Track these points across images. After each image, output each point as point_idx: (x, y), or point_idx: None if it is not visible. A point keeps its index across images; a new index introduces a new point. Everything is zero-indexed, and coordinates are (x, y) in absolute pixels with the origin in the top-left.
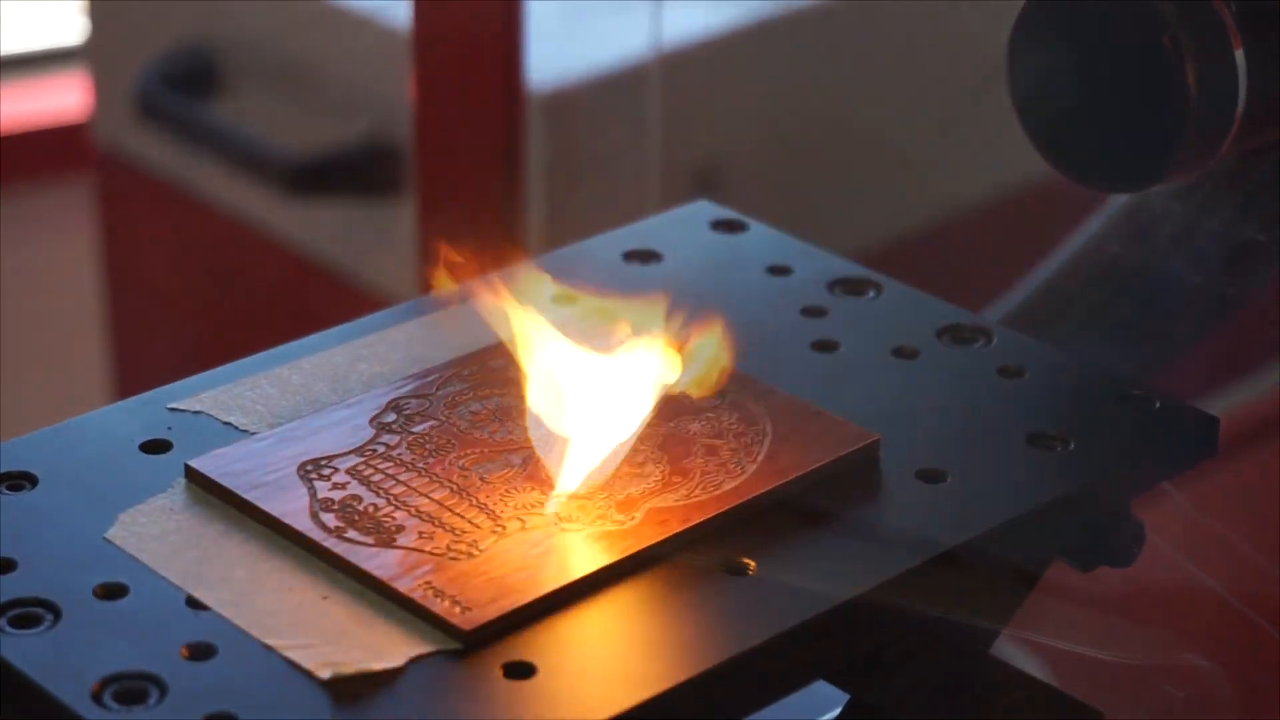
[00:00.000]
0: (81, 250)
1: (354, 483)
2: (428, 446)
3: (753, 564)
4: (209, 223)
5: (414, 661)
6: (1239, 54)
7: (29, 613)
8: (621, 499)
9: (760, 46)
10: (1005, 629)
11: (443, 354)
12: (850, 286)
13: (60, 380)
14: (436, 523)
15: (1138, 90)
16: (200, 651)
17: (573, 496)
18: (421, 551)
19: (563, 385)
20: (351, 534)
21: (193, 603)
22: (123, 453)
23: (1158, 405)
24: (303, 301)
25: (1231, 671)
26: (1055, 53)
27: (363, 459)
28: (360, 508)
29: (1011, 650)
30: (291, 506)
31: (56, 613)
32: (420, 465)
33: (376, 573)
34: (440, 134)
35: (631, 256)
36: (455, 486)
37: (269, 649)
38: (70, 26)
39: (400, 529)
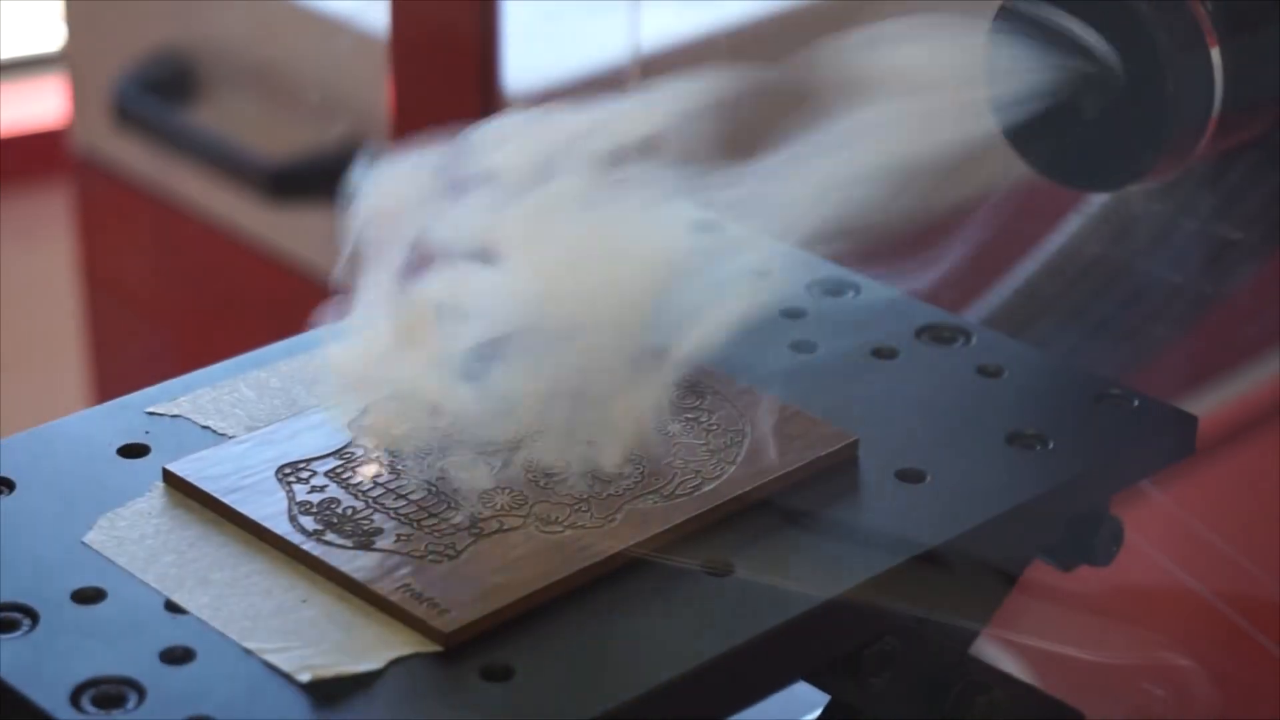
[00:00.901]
0: (60, 255)
1: (332, 485)
2: (406, 449)
3: (732, 565)
4: (187, 227)
5: (393, 664)
6: (1215, 52)
7: (6, 617)
8: (601, 500)
9: (740, 49)
10: (985, 629)
11: None
12: (829, 286)
13: (39, 385)
14: (415, 525)
15: (1115, 89)
16: (179, 655)
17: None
18: (400, 554)
19: None
20: (330, 536)
21: (171, 606)
22: (100, 457)
23: (1136, 404)
24: (281, 305)
25: (1211, 670)
26: (1033, 52)
27: (341, 461)
28: (339, 510)
29: (992, 650)
30: (270, 510)
31: (34, 617)
32: (399, 467)
33: (355, 575)
34: (418, 138)
35: None
36: (434, 489)
37: (248, 652)
38: (48, 33)
39: (379, 531)
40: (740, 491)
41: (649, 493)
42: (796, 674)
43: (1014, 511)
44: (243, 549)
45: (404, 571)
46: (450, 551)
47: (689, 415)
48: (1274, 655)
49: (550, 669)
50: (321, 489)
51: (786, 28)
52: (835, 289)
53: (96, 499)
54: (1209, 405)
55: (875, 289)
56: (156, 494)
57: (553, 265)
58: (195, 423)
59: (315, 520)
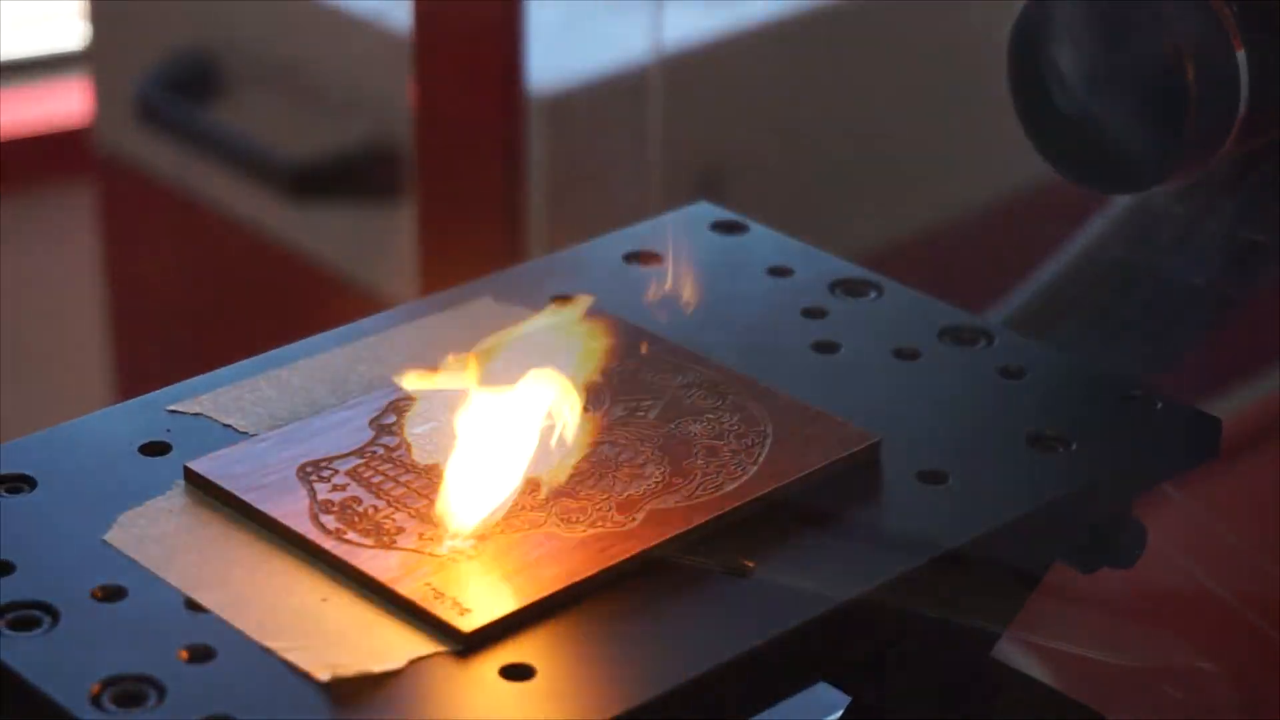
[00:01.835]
0: (83, 254)
1: (354, 484)
2: (428, 448)
3: (753, 565)
4: (209, 226)
5: (413, 663)
6: (1240, 54)
7: (28, 615)
8: (622, 500)
9: (761, 49)
10: (1006, 631)
11: (443, 356)
12: (851, 288)
13: (62, 383)
14: (436, 524)
15: (1139, 91)
16: (199, 654)
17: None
18: (421, 553)
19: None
20: (351, 535)
21: (191, 605)
22: (122, 455)
23: (1159, 406)
24: (302, 304)
25: (1233, 674)
26: (1056, 54)
27: (363, 460)
28: (360, 509)
29: (1013, 652)
30: (291, 508)
31: (55, 615)
32: (420, 467)
33: (376, 574)
34: (441, 137)
35: (632, 258)
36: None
37: (268, 651)
38: (71, 31)
39: (400, 530)
40: (762, 492)
41: (670, 493)
42: (817, 675)
43: (1035, 513)
44: (264, 548)
45: (425, 571)
46: (471, 551)
47: (710, 416)
48: None
49: (571, 669)
50: (343, 488)
51: (808, 26)
52: (857, 290)
53: (117, 497)
54: (1233, 408)
55: (897, 290)
56: (177, 492)
57: None
58: (217, 421)
59: (336, 519)
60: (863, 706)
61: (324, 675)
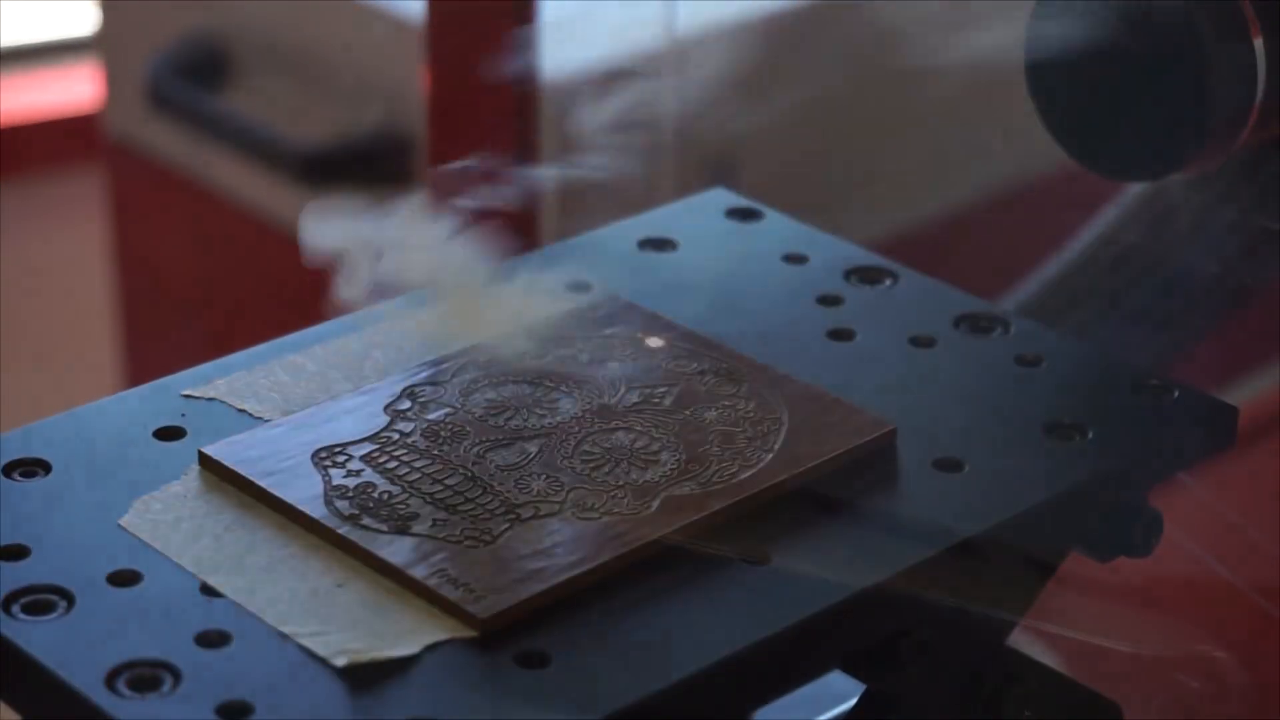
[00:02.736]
0: (93, 240)
1: (369, 470)
2: (442, 433)
3: (768, 553)
4: (220, 212)
5: (428, 649)
6: (1258, 43)
7: (43, 599)
8: (637, 487)
9: (776, 35)
10: (1022, 619)
11: (457, 341)
12: (866, 275)
13: (72, 370)
14: (451, 510)
15: (1156, 79)
16: (214, 639)
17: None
18: (436, 539)
19: None
20: (366, 521)
21: (206, 590)
22: (136, 439)
23: (1176, 395)
24: (313, 290)
25: (1247, 662)
26: (1073, 42)
27: (377, 446)
28: (375, 495)
29: (1028, 641)
30: (306, 493)
31: (70, 600)
32: (435, 452)
33: (391, 560)
34: (452, 123)
35: (646, 245)
36: (470, 474)
37: (283, 636)
38: (81, 17)
39: (415, 516)
40: (777, 479)
41: (686, 480)
42: (832, 663)
43: (1051, 502)
44: (278, 533)
45: (440, 557)
46: (486, 537)
47: (726, 403)
48: None
49: (586, 656)
50: (358, 473)
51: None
52: (873, 277)
53: (132, 482)
54: (1249, 396)
55: (913, 278)
56: (192, 477)
57: None
58: (231, 406)
59: (351, 504)
60: (878, 694)
61: (339, 660)
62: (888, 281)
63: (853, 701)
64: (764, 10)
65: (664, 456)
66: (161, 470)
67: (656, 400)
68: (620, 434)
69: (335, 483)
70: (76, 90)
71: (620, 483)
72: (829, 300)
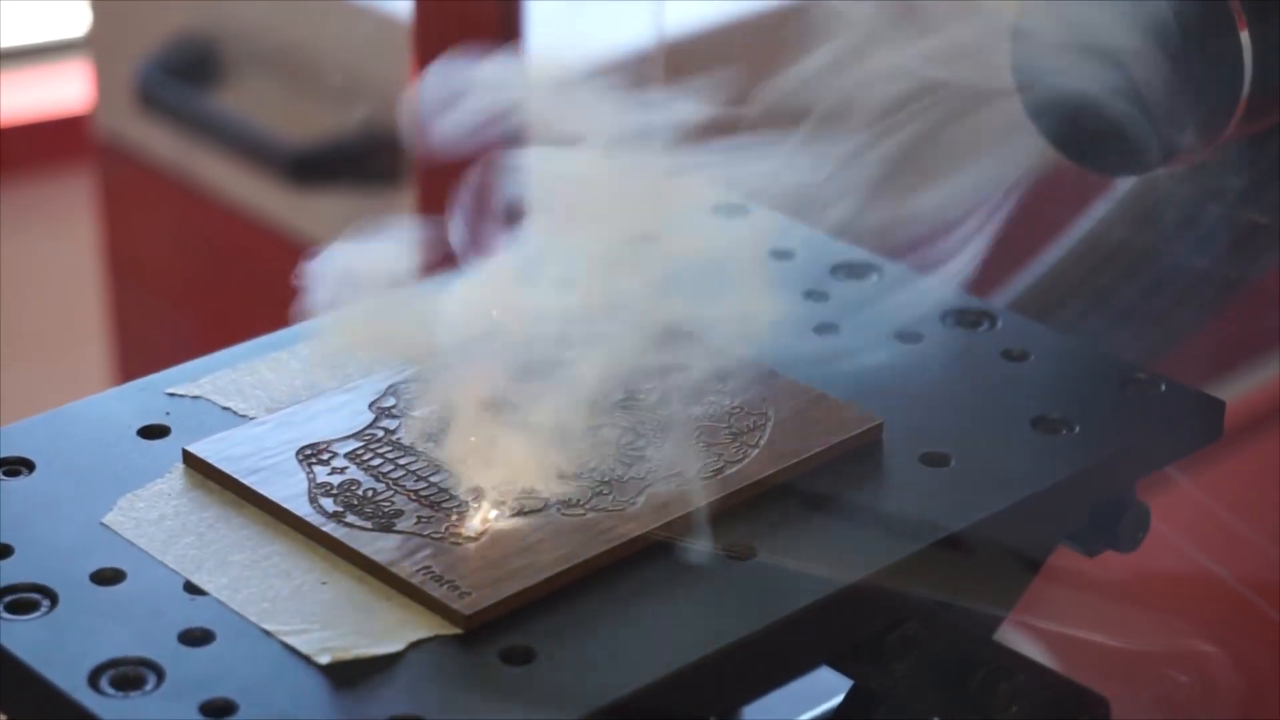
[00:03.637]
0: (83, 239)
1: (353, 467)
2: (427, 431)
3: (755, 548)
4: (209, 211)
5: (413, 646)
6: (1244, 35)
7: (26, 598)
8: (622, 483)
9: (762, 35)
10: (1009, 614)
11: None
12: (853, 270)
13: (62, 369)
14: (435, 507)
15: (1144, 74)
16: (198, 637)
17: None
18: (420, 536)
19: None
20: (350, 518)
21: (190, 588)
22: (120, 438)
23: (1163, 389)
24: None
25: (1235, 656)
26: (1059, 36)
27: (362, 443)
28: (359, 492)
29: (1016, 635)
30: (290, 491)
31: (53, 598)
32: (419, 450)
33: (375, 557)
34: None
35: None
36: (454, 471)
37: (267, 634)
38: (72, 17)
39: (399, 513)
40: (763, 475)
41: (671, 476)
42: (819, 658)
43: (1039, 496)
44: (262, 530)
45: (424, 554)
46: (471, 534)
47: (711, 398)
48: None
49: (571, 652)
50: (342, 470)
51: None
52: (859, 272)
53: (116, 480)
54: (1236, 390)
55: (899, 273)
56: (176, 475)
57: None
58: (216, 404)
59: (335, 502)
60: (865, 690)
61: (323, 658)
62: (874, 276)
63: (840, 697)
64: (752, 8)
65: (649, 452)
66: (145, 468)
67: (642, 396)
68: (606, 430)
69: (319, 480)
70: (67, 90)
71: (605, 479)
72: (815, 295)
